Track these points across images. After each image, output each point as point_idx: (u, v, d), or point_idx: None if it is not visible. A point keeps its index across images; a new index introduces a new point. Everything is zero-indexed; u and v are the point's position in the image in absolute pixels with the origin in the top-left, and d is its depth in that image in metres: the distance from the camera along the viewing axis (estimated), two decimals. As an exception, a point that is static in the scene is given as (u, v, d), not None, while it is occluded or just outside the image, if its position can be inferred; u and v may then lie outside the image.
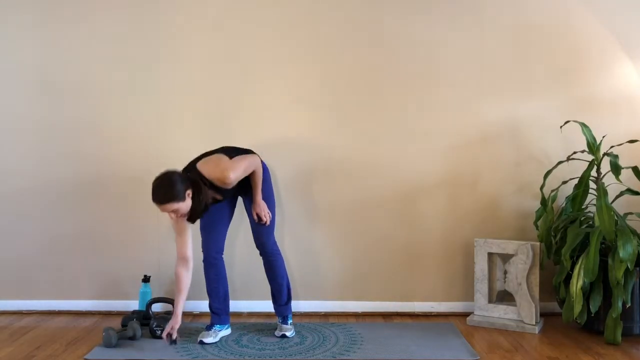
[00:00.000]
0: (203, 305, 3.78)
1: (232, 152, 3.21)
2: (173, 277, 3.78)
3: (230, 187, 3.12)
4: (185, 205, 3.02)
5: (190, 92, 3.79)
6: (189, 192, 3.03)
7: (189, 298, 3.77)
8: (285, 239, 3.75)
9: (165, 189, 2.95)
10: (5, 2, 3.78)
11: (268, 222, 3.28)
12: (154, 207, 3.77)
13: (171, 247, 3.79)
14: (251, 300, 3.79)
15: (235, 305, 3.79)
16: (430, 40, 3.76)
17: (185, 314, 3.73)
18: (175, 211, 3.00)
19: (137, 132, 3.79)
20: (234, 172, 3.07)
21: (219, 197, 3.22)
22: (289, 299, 3.41)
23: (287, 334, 3.33)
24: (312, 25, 3.65)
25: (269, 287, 3.78)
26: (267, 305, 3.78)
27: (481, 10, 3.75)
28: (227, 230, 3.40)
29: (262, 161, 3.29)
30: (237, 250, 3.79)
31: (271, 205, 3.31)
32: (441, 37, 3.76)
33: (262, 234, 3.30)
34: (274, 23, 3.76)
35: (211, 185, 3.12)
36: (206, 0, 3.77)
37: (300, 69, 3.71)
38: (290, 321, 3.41)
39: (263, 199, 3.27)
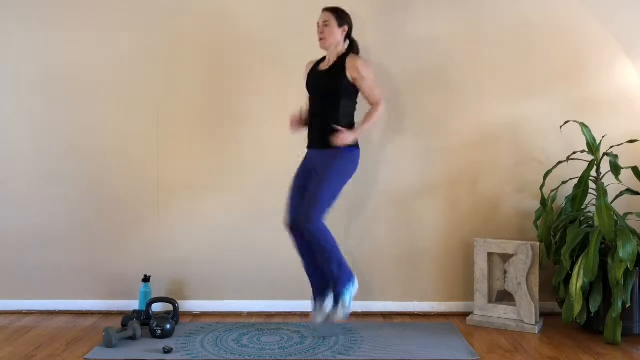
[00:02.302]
0: (203, 305, 3.78)
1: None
2: (173, 277, 3.79)
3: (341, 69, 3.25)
4: (334, 32, 3.28)
5: (190, 92, 3.78)
6: (346, 28, 3.32)
7: (189, 298, 3.78)
8: (285, 239, 3.74)
9: (338, 7, 3.33)
10: (5, 3, 3.78)
11: (337, 142, 3.18)
12: (154, 207, 3.79)
13: (171, 247, 3.80)
14: (251, 300, 3.79)
15: (235, 305, 3.79)
16: (430, 40, 3.76)
17: (185, 314, 3.74)
18: (326, 22, 3.27)
19: (137, 133, 3.79)
20: (368, 68, 3.26)
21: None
22: (339, 272, 3.21)
23: (335, 318, 3.23)
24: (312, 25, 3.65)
25: (268, 287, 3.79)
26: (267, 305, 3.79)
27: (481, 10, 3.75)
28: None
29: (358, 153, 3.31)
30: (236, 250, 3.79)
31: (332, 189, 3.21)
32: (441, 37, 3.75)
33: (306, 206, 3.19)
34: (274, 24, 3.76)
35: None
36: (206, 2, 3.77)
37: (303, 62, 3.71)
38: (343, 300, 3.21)
39: (331, 178, 3.20)
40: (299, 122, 3.39)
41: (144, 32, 3.77)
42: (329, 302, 3.25)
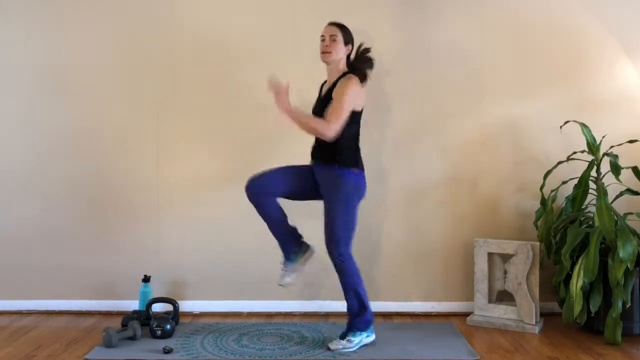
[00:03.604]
0: (203, 305, 3.78)
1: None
2: (173, 277, 3.79)
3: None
4: (339, 48, 3.18)
5: (190, 92, 3.78)
6: (350, 48, 3.22)
7: (189, 298, 3.78)
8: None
9: (343, 24, 3.25)
10: (6, 3, 3.78)
11: (270, 87, 3.05)
12: (154, 207, 3.79)
13: (171, 247, 3.80)
14: (251, 300, 3.79)
15: (235, 305, 3.79)
16: (430, 40, 3.76)
17: (185, 314, 3.73)
18: (333, 36, 3.18)
19: (137, 133, 3.79)
20: (347, 90, 3.08)
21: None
22: (359, 311, 3.17)
23: (331, 346, 3.15)
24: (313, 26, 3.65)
25: (268, 287, 3.78)
26: (268, 305, 3.79)
27: (481, 10, 3.75)
28: (284, 191, 3.24)
29: (361, 177, 3.19)
30: (236, 250, 3.79)
31: (344, 215, 3.11)
32: (441, 37, 3.75)
33: (327, 240, 3.14)
34: (274, 24, 3.76)
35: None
36: (206, 4, 3.77)
37: (302, 69, 3.71)
38: (350, 337, 3.15)
39: (340, 207, 3.10)
40: (284, 95, 3.10)
41: (144, 32, 3.77)
42: (297, 264, 3.25)
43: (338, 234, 3.11)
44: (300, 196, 3.28)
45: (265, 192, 3.18)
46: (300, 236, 3.29)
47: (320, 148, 3.21)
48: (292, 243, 3.26)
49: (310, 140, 3.30)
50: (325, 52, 3.18)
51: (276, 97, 3.06)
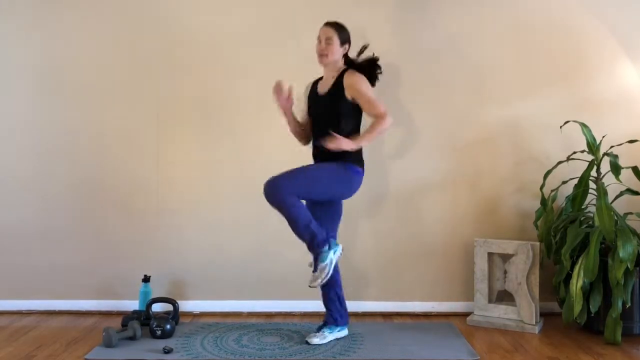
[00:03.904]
0: (203, 305, 3.78)
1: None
2: (173, 277, 3.79)
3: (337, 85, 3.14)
4: (335, 50, 3.18)
5: (190, 92, 3.79)
6: (347, 47, 3.22)
7: (189, 298, 3.78)
8: (286, 239, 3.74)
9: (340, 23, 3.24)
10: (5, 3, 3.78)
11: (331, 146, 3.00)
12: (154, 207, 3.79)
13: (171, 247, 3.80)
14: (251, 300, 3.79)
15: (235, 305, 3.79)
16: (430, 41, 3.76)
17: (185, 314, 3.74)
18: (328, 39, 3.17)
19: (137, 133, 3.79)
20: (364, 84, 3.12)
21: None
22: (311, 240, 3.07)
23: (313, 282, 3.06)
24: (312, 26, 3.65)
25: (268, 287, 3.79)
26: (267, 305, 3.79)
27: (481, 10, 3.75)
28: (327, 223, 3.22)
29: (359, 175, 3.19)
30: (236, 250, 3.79)
31: (316, 177, 3.09)
32: (441, 37, 3.76)
33: (273, 178, 3.05)
34: (274, 24, 3.77)
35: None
36: (206, 4, 3.77)
37: (302, 69, 3.71)
38: (322, 261, 3.05)
39: (322, 168, 3.10)
40: (287, 101, 3.20)
41: (144, 32, 3.77)
42: (327, 261, 3.08)
43: (299, 178, 3.04)
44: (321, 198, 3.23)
45: (287, 192, 3.02)
46: (327, 235, 3.13)
47: (324, 154, 3.17)
48: (321, 242, 3.09)
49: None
50: (322, 55, 3.19)
51: (334, 143, 3.01)
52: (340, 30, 3.21)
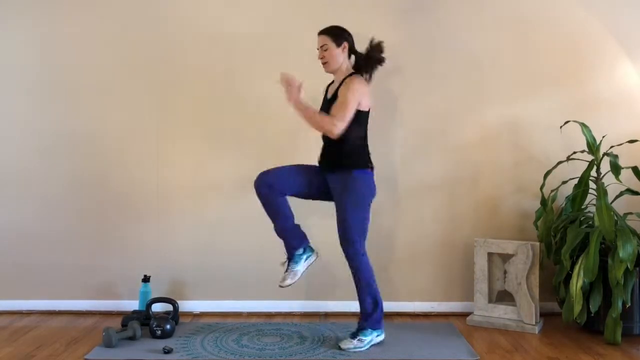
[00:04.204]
0: (203, 305, 3.78)
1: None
2: (173, 277, 3.79)
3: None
4: (334, 55, 3.17)
5: (190, 92, 3.78)
6: (346, 45, 3.19)
7: (189, 298, 3.78)
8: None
9: (332, 25, 3.22)
10: (6, 3, 3.78)
11: (282, 82, 3.07)
12: (154, 207, 3.79)
13: (171, 247, 3.80)
14: (251, 300, 3.79)
15: (235, 305, 3.79)
16: (430, 41, 3.76)
17: (185, 314, 3.73)
18: (324, 47, 3.18)
19: (137, 133, 3.79)
20: (352, 90, 3.08)
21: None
22: (372, 310, 3.18)
23: (342, 345, 3.15)
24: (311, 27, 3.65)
25: (268, 287, 3.78)
26: (267, 305, 3.79)
27: (481, 10, 3.75)
28: (295, 190, 3.22)
29: (372, 176, 3.21)
30: (236, 250, 3.79)
31: (358, 212, 3.14)
32: (441, 37, 3.76)
33: (341, 239, 3.17)
34: (274, 24, 3.77)
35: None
36: (206, 4, 3.77)
37: (303, 69, 3.71)
38: (361, 337, 3.15)
39: (351, 203, 3.12)
40: (296, 90, 3.12)
41: (144, 32, 3.77)
42: (300, 266, 3.19)
43: (352, 233, 3.13)
44: (310, 196, 3.28)
45: (275, 189, 3.14)
46: (305, 237, 3.24)
47: (330, 155, 3.21)
48: (297, 244, 3.20)
49: (314, 140, 3.31)
50: (323, 64, 3.23)
51: (287, 88, 3.09)
52: (332, 33, 3.20)
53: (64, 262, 3.80)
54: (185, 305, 3.75)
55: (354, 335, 3.18)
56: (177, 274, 3.80)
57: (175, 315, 3.44)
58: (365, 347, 3.15)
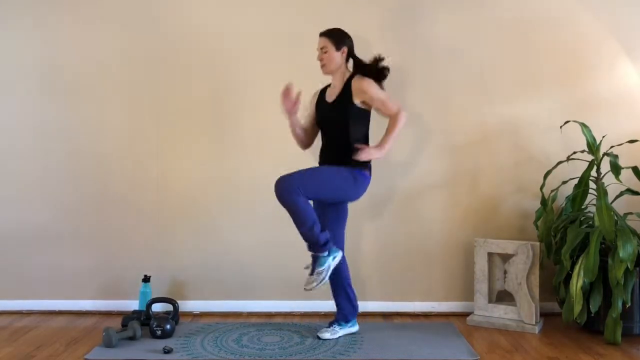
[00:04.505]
0: (203, 305, 3.78)
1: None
2: (173, 277, 3.79)
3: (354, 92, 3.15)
4: (333, 57, 3.20)
5: (190, 92, 3.79)
6: (346, 49, 3.22)
7: (189, 298, 3.78)
8: (285, 239, 3.75)
9: (333, 28, 3.25)
10: (6, 3, 3.78)
11: (363, 157, 3.07)
12: (154, 207, 3.79)
13: (171, 247, 3.80)
14: (251, 300, 3.79)
15: (235, 305, 3.79)
16: (430, 40, 3.76)
17: (185, 314, 3.74)
18: (323, 49, 3.20)
19: (137, 133, 3.79)
20: (373, 86, 3.13)
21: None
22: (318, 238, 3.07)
23: (308, 284, 3.08)
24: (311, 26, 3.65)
25: (268, 287, 3.79)
26: (267, 305, 3.79)
27: (481, 10, 3.75)
28: (333, 224, 3.27)
29: (367, 179, 3.21)
30: (236, 250, 3.79)
31: (323, 177, 3.10)
32: (441, 37, 3.76)
33: (285, 176, 3.05)
34: (275, 24, 3.77)
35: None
36: (206, 4, 3.77)
37: (302, 69, 3.71)
38: (320, 266, 3.08)
39: (330, 169, 3.11)
40: (293, 104, 3.21)
41: (144, 32, 3.77)
42: (325, 267, 3.11)
43: (308, 177, 3.04)
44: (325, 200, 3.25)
45: (300, 192, 3.01)
46: (328, 238, 3.15)
47: (330, 152, 3.23)
48: (323, 247, 3.10)
49: (320, 141, 3.32)
50: (322, 66, 3.25)
51: (367, 155, 3.08)
52: (332, 36, 3.22)
53: (64, 262, 3.80)
54: (185, 305, 3.75)
55: (311, 272, 3.11)
56: (177, 274, 3.80)
57: (175, 315, 3.44)
58: (325, 277, 3.08)
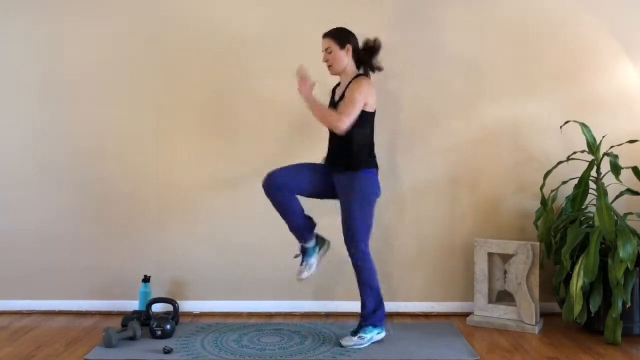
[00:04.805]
0: (203, 305, 3.78)
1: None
2: (173, 277, 3.79)
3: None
4: (338, 57, 3.20)
5: (190, 92, 3.78)
6: (349, 47, 3.21)
7: (189, 298, 3.78)
8: (285, 239, 3.75)
9: (336, 28, 3.24)
10: (6, 3, 3.78)
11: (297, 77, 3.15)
12: (154, 207, 3.79)
13: (171, 247, 3.80)
14: (251, 300, 3.79)
15: (235, 305, 3.79)
16: (430, 40, 3.76)
17: (185, 314, 3.73)
18: (328, 49, 3.21)
19: (137, 133, 3.79)
20: (359, 90, 3.13)
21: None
22: (373, 310, 3.22)
23: (343, 342, 3.18)
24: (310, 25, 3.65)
25: (268, 287, 3.79)
26: (267, 305, 3.79)
27: (481, 10, 3.75)
28: (303, 188, 3.26)
29: (376, 176, 3.25)
30: (236, 250, 3.79)
31: (364, 213, 3.18)
32: (441, 37, 3.75)
33: (346, 239, 3.20)
34: (275, 23, 3.77)
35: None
36: (206, 3, 3.77)
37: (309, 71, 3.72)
38: (361, 334, 3.18)
39: (356, 202, 3.16)
40: (308, 87, 3.20)
41: (144, 32, 3.77)
42: (314, 258, 3.32)
43: (357, 234, 3.17)
44: (316, 194, 3.32)
45: (285, 188, 3.20)
46: (314, 228, 3.31)
47: (336, 156, 3.25)
48: (309, 237, 3.29)
49: (319, 139, 3.32)
50: (328, 67, 3.26)
51: (300, 82, 3.16)
52: (335, 36, 3.22)
53: (64, 262, 3.80)
54: (185, 305, 3.75)
55: (354, 333, 3.20)
56: (177, 274, 3.80)
57: (175, 315, 3.44)
58: (366, 344, 3.17)
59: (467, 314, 3.68)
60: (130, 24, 3.77)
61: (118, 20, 3.77)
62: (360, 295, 3.23)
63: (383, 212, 3.78)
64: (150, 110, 3.79)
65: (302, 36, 3.67)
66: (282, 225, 3.39)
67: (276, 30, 3.76)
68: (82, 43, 3.78)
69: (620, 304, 3.14)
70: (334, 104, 3.28)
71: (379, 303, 3.23)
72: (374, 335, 3.20)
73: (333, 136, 3.26)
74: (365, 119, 3.19)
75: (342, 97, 3.20)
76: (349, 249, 3.20)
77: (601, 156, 3.47)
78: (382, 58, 3.47)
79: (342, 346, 3.16)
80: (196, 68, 3.78)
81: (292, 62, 3.67)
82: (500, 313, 3.55)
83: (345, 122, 3.09)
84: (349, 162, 3.19)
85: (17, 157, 3.81)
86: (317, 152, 3.43)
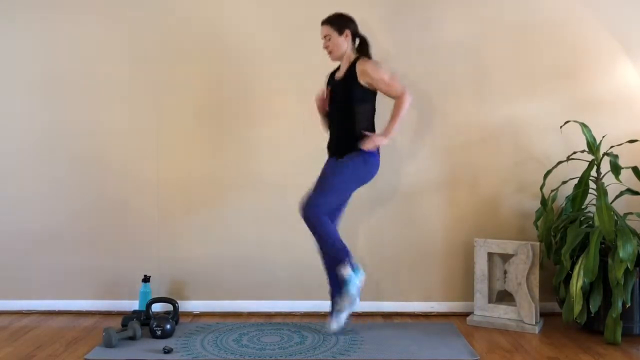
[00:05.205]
0: (203, 305, 3.78)
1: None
2: (173, 277, 3.79)
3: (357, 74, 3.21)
4: (338, 43, 3.25)
5: (190, 92, 3.79)
6: (348, 32, 3.26)
7: (189, 298, 3.78)
8: (285, 239, 3.75)
9: (334, 14, 3.28)
10: (6, 3, 3.78)
11: (368, 146, 3.19)
12: (154, 207, 3.79)
13: (171, 247, 3.80)
14: (251, 300, 3.79)
15: (235, 305, 3.79)
16: (429, 40, 3.76)
17: (185, 314, 3.74)
18: (327, 36, 3.26)
19: (138, 132, 3.79)
20: (378, 69, 3.19)
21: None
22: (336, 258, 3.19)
23: (330, 328, 3.28)
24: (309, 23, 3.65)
25: (268, 287, 3.79)
26: (267, 305, 3.79)
27: (481, 10, 3.75)
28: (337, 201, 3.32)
29: (376, 156, 3.28)
30: (236, 250, 3.79)
31: (340, 182, 3.21)
32: (441, 37, 3.75)
33: (308, 201, 3.20)
34: (275, 23, 3.77)
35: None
36: (206, 3, 3.77)
37: (302, 67, 3.71)
38: (349, 289, 3.18)
39: (342, 172, 3.20)
40: (323, 102, 3.36)
41: (144, 32, 3.77)
42: (355, 289, 3.21)
43: (327, 190, 3.18)
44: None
45: (327, 211, 3.20)
46: (349, 254, 3.23)
47: (339, 141, 3.29)
48: (344, 260, 3.20)
49: (320, 139, 3.32)
50: (328, 53, 3.31)
51: (370, 144, 3.20)
52: (333, 22, 3.28)
53: (64, 262, 3.80)
54: (185, 305, 3.75)
55: (340, 296, 3.24)
56: (177, 274, 3.80)
57: (175, 315, 3.44)
58: (354, 294, 3.20)
59: (467, 314, 3.68)
60: (130, 25, 3.77)
61: (118, 20, 3.77)
62: (322, 256, 3.27)
63: (383, 212, 3.78)
64: (150, 110, 3.79)
65: (302, 36, 3.67)
66: (283, 225, 3.40)
67: (276, 30, 3.76)
68: (81, 43, 3.78)
69: (620, 304, 3.14)
70: (339, 83, 3.31)
71: (340, 252, 3.17)
72: (355, 283, 3.19)
73: (334, 118, 3.32)
74: (368, 98, 3.26)
75: (346, 77, 3.24)
76: (305, 212, 3.15)
77: (601, 156, 3.47)
78: (382, 59, 3.48)
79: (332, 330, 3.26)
80: (196, 68, 3.78)
81: (293, 62, 3.71)
82: (500, 313, 3.56)
83: (403, 93, 3.19)
84: (351, 145, 3.22)
85: (16, 158, 3.81)
86: (317, 152, 3.44)
